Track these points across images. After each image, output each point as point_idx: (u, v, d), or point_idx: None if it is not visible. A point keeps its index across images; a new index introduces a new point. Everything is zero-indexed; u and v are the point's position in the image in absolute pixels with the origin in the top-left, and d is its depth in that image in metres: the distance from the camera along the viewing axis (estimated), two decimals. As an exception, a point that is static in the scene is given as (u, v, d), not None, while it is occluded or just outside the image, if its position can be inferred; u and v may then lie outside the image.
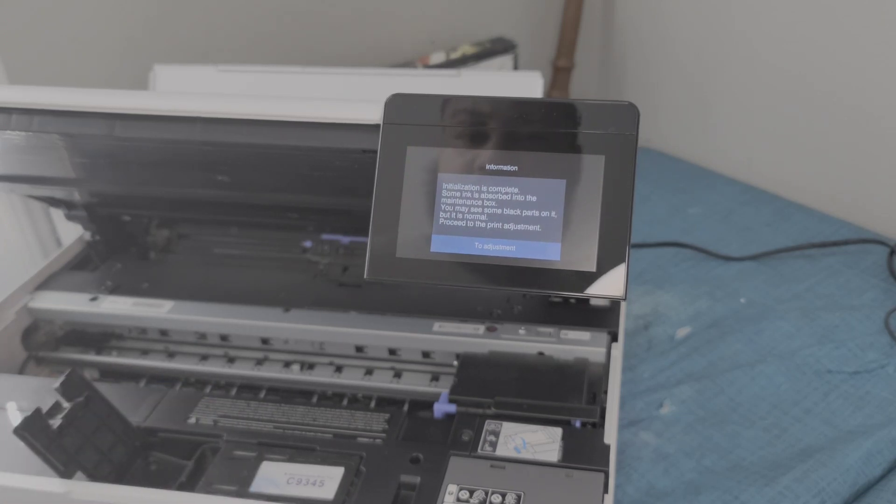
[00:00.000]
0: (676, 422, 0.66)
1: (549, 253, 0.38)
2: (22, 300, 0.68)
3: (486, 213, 0.38)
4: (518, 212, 0.38)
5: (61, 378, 0.51)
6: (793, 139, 1.01)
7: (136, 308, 0.67)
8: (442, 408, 0.55)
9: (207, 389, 0.65)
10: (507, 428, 0.52)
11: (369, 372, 0.63)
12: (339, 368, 0.64)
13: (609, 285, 0.37)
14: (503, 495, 0.46)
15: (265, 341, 0.66)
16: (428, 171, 0.39)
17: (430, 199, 0.39)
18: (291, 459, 0.52)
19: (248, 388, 0.65)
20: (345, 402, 0.63)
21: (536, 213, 0.38)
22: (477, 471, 0.48)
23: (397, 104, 0.40)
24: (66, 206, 0.73)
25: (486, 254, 0.38)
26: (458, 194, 0.39)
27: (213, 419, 0.56)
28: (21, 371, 0.67)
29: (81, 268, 0.75)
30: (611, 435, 0.50)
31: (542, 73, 0.67)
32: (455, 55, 1.07)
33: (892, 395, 0.66)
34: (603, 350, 0.59)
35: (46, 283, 0.71)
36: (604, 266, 0.37)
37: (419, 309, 0.64)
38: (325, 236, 0.73)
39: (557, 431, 0.51)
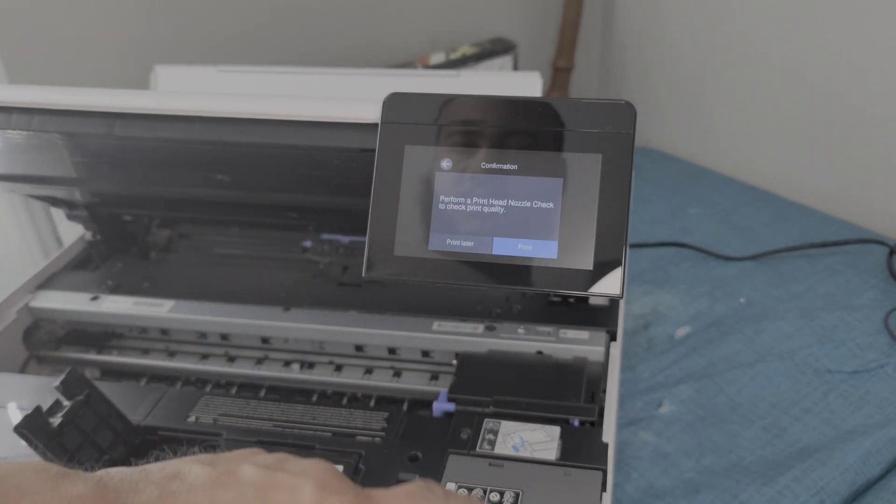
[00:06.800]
0: (676, 421, 0.66)
1: (546, 251, 0.38)
2: (23, 300, 0.68)
3: (484, 212, 0.38)
4: (515, 210, 0.38)
5: (62, 376, 0.52)
6: (793, 139, 1.01)
7: (137, 307, 0.67)
8: (441, 406, 0.55)
9: (207, 388, 0.65)
10: (506, 426, 0.52)
11: (369, 371, 0.64)
12: (338, 367, 0.64)
13: (606, 283, 0.37)
14: (501, 493, 0.46)
15: (265, 340, 0.66)
16: (425, 170, 0.39)
17: (428, 198, 0.39)
18: (290, 458, 0.52)
19: (248, 387, 0.65)
20: (344, 400, 0.63)
21: (533, 212, 0.38)
22: (475, 469, 0.48)
23: (395, 103, 0.41)
24: (67, 205, 0.73)
25: (483, 252, 0.38)
26: (455, 193, 0.39)
27: (212, 418, 0.56)
28: (22, 370, 0.67)
29: (82, 267, 0.75)
30: (609, 434, 0.50)
31: (541, 73, 0.67)
32: (455, 55, 1.07)
33: (892, 394, 0.66)
34: (602, 349, 0.59)
35: (47, 282, 0.71)
36: (601, 264, 0.37)
37: (418, 308, 0.64)
38: (324, 236, 0.73)
39: (556, 430, 0.51)
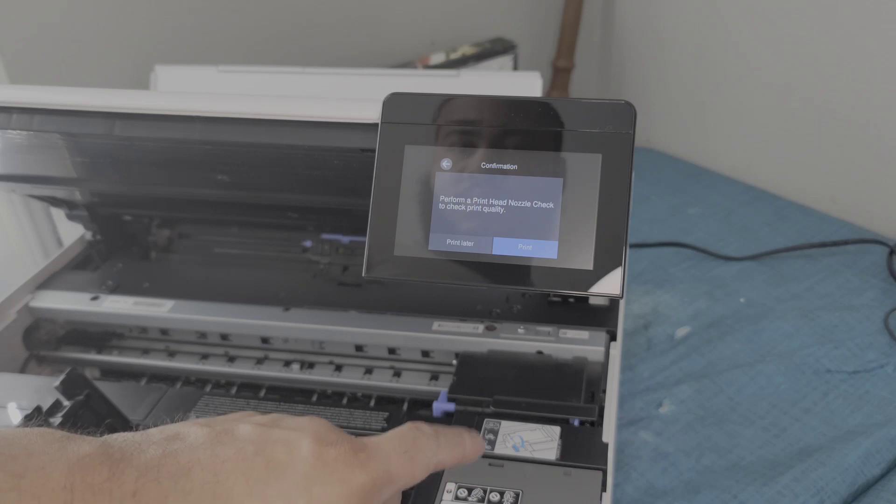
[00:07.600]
0: (675, 421, 0.66)
1: (546, 251, 0.38)
2: (23, 299, 0.69)
3: (484, 212, 0.38)
4: (515, 210, 0.38)
5: (62, 377, 0.52)
6: (792, 139, 1.01)
7: (137, 307, 0.67)
8: (441, 406, 0.55)
9: (208, 388, 0.66)
10: (506, 426, 0.52)
11: (369, 371, 0.64)
12: (338, 367, 0.65)
13: (606, 284, 0.37)
14: (501, 493, 0.46)
15: (265, 340, 0.66)
16: (425, 170, 0.39)
17: (428, 198, 0.39)
18: (290, 458, 0.52)
19: (249, 387, 0.65)
20: (344, 400, 0.63)
21: (533, 212, 0.38)
22: (475, 469, 0.48)
23: (395, 103, 0.41)
24: (67, 205, 0.73)
25: (483, 251, 0.38)
26: (455, 193, 0.39)
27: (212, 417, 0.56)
28: (22, 370, 0.67)
29: (82, 267, 0.75)
30: (609, 433, 0.50)
31: (541, 73, 0.67)
32: (455, 56, 1.07)
33: (891, 394, 0.66)
34: (601, 349, 0.59)
35: (48, 282, 0.71)
36: (601, 264, 0.37)
37: (418, 308, 0.64)
38: (324, 236, 0.73)
39: (556, 430, 0.51)
